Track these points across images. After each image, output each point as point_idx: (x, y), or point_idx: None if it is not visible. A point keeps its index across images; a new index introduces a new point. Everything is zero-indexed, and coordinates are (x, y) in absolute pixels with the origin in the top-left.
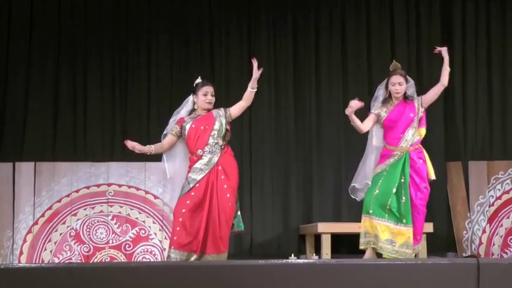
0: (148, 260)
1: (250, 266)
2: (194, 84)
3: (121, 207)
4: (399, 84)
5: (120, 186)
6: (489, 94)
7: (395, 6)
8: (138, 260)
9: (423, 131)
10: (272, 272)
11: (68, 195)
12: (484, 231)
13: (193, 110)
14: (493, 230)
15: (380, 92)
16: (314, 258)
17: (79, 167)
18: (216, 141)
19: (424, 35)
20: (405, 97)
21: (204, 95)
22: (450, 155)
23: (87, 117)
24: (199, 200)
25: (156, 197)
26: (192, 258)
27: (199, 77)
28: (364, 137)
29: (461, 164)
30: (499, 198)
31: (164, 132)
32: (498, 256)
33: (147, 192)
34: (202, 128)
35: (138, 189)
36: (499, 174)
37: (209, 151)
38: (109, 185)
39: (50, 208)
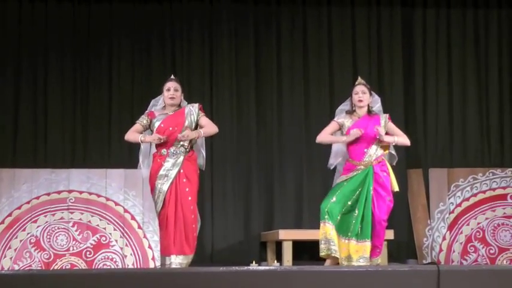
0: (109, 267)
1: (211, 273)
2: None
3: (82, 214)
4: (362, 92)
5: (80, 193)
6: (449, 102)
7: (356, 12)
8: (98, 267)
9: (386, 148)
10: (233, 279)
11: (28, 202)
12: (444, 238)
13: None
14: (453, 237)
15: (344, 107)
16: (275, 265)
17: (39, 173)
18: (182, 143)
19: (385, 42)
20: (369, 111)
21: (167, 90)
22: (411, 162)
23: (48, 123)
24: (169, 206)
25: (117, 204)
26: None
27: (172, 75)
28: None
29: (421, 171)
30: (459, 205)
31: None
32: (458, 263)
33: (108, 199)
34: (170, 128)
35: (99, 196)
36: (459, 181)
37: (173, 153)
38: (70, 191)
39: (10, 215)
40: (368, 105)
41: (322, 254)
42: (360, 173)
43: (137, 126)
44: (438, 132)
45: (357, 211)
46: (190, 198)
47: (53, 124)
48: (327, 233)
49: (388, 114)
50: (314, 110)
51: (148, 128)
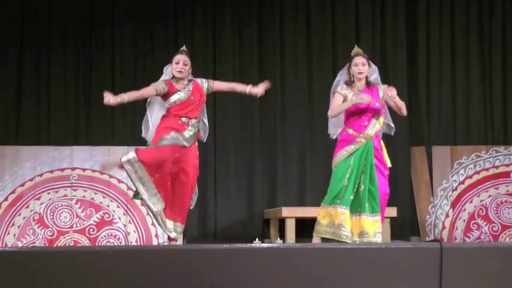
0: (112, 244)
1: (214, 250)
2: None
3: (85, 191)
4: (362, 64)
5: (84, 170)
6: (453, 79)
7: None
8: (102, 244)
9: (382, 120)
10: (236, 256)
11: (31, 179)
12: (447, 216)
13: (172, 77)
14: (456, 214)
15: (341, 77)
16: (278, 242)
17: (43, 151)
18: (201, 117)
19: (389, 23)
20: (367, 82)
21: (176, 63)
22: (414, 140)
23: (51, 101)
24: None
25: (120, 181)
26: None
27: (184, 46)
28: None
29: (424, 149)
30: (462, 182)
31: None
32: (461, 240)
33: (111, 176)
34: (197, 102)
35: (102, 173)
36: (462, 159)
37: (193, 124)
38: (73, 169)
39: (13, 192)
40: (366, 77)
41: (323, 235)
42: (361, 147)
43: (151, 89)
44: (441, 109)
45: (362, 186)
46: (193, 174)
47: (56, 101)
48: (337, 217)
49: (386, 85)
50: (317, 90)
51: (163, 95)
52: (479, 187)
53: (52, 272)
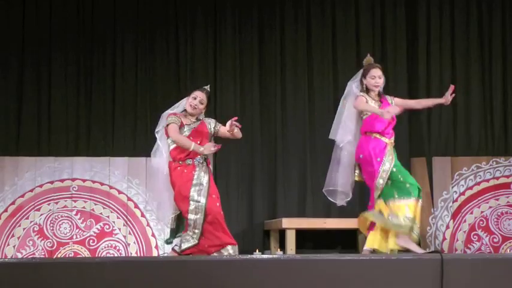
0: (112, 255)
1: (214, 262)
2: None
3: (85, 202)
4: (379, 77)
5: (84, 181)
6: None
7: (360, 3)
8: (102, 255)
9: None
10: (236, 268)
11: (31, 190)
12: (447, 227)
13: (184, 111)
14: (456, 225)
15: (353, 86)
16: (279, 253)
17: (43, 161)
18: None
19: (389, 33)
20: (378, 93)
21: (194, 98)
22: (414, 151)
23: (51, 111)
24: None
25: (120, 192)
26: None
27: (208, 86)
28: (329, 132)
29: (425, 160)
30: (463, 194)
31: (160, 129)
32: (461, 251)
33: (111, 187)
34: (199, 142)
35: (102, 184)
36: (462, 170)
37: (199, 161)
38: (73, 180)
39: (13, 203)
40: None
41: (407, 232)
42: (390, 150)
43: (175, 126)
44: (442, 120)
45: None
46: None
47: (56, 112)
48: (416, 211)
49: (393, 98)
50: (318, 100)
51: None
52: (479, 198)
53: (52, 283)
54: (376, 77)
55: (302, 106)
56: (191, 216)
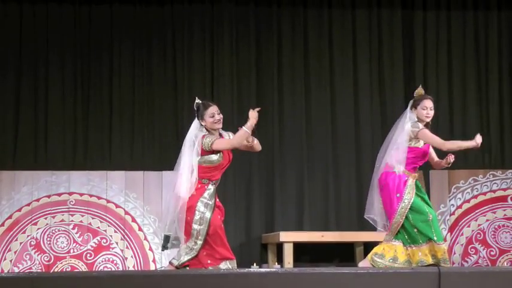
0: (109, 269)
1: (212, 275)
2: (195, 107)
3: (82, 216)
4: (430, 108)
5: (81, 195)
6: (450, 104)
7: (357, 14)
8: (99, 269)
9: None
10: (234, 281)
11: (28, 204)
12: (444, 240)
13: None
14: (453, 238)
15: (412, 115)
16: (276, 267)
17: (40, 175)
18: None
19: (385, 45)
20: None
21: (211, 116)
22: None
23: (48, 125)
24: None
25: (117, 206)
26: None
27: (197, 98)
28: (326, 144)
29: (422, 173)
30: (460, 207)
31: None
32: (459, 265)
33: (108, 201)
34: (223, 167)
35: (99, 198)
36: (459, 183)
37: (213, 183)
38: (70, 193)
39: (10, 217)
40: None
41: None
42: (411, 183)
43: (219, 138)
44: (438, 134)
45: (430, 215)
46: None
47: (53, 126)
48: (440, 252)
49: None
50: (315, 112)
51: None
52: (476, 211)
53: None
54: (428, 108)
55: (299, 119)
56: (195, 226)
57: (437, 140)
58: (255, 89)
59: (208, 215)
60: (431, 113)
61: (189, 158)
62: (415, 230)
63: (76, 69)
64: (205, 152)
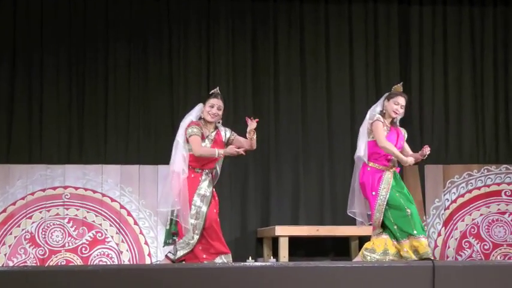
0: (105, 263)
1: (207, 269)
2: (210, 93)
3: (77, 210)
4: (401, 106)
5: (76, 189)
6: (445, 99)
7: (353, 9)
8: (94, 263)
9: None
10: (229, 275)
11: (23, 198)
12: (439, 234)
13: (200, 118)
14: (448, 233)
15: (377, 108)
16: (272, 261)
17: (35, 169)
18: (215, 167)
19: (381, 41)
20: (393, 122)
21: (210, 107)
22: None
23: (43, 119)
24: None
25: (113, 200)
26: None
27: (218, 88)
28: (322, 139)
29: (417, 168)
30: (454, 201)
31: (181, 139)
32: (453, 259)
33: (103, 195)
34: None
35: (94, 191)
36: (454, 178)
37: (207, 173)
38: (65, 187)
39: (4, 211)
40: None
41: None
42: (391, 177)
43: (198, 139)
44: (434, 129)
45: (408, 210)
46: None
47: (48, 120)
48: (422, 247)
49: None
50: (311, 107)
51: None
52: (471, 206)
53: None
54: (399, 105)
55: (295, 114)
56: (191, 221)
57: (381, 137)
58: (250, 86)
59: (204, 209)
60: (401, 111)
61: (182, 138)
62: (395, 227)
63: (71, 63)
64: (187, 139)
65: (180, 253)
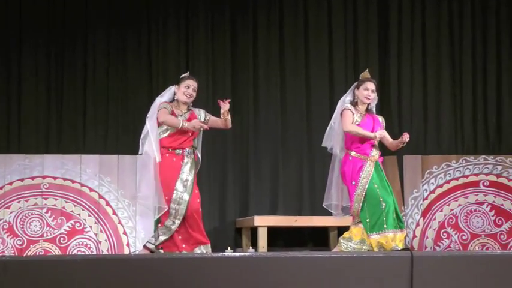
0: (83, 253)
1: (186, 259)
2: (181, 76)
3: (56, 200)
4: (372, 91)
5: (55, 178)
6: (424, 89)
7: (332, 2)
8: (73, 253)
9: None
10: (208, 265)
11: (1, 188)
12: (417, 225)
13: (173, 100)
14: (426, 223)
15: (347, 98)
16: (250, 251)
17: (13, 159)
18: (193, 145)
19: (361, 35)
20: (367, 109)
21: (186, 87)
22: (385, 149)
23: (22, 109)
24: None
25: (91, 190)
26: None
27: (188, 72)
28: (301, 131)
29: (396, 158)
30: (433, 192)
31: (150, 115)
32: (431, 249)
33: (82, 185)
34: (190, 134)
35: (73, 181)
36: (433, 168)
37: (188, 153)
38: (44, 177)
39: None
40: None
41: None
42: (373, 167)
43: (166, 111)
44: (413, 120)
45: (384, 204)
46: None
47: (26, 109)
48: (388, 242)
49: (383, 122)
50: (290, 99)
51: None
52: (449, 196)
53: (22, 281)
54: (369, 90)
55: (274, 105)
56: (173, 206)
57: (346, 123)
58: (230, 78)
59: (186, 197)
60: (373, 95)
61: (154, 122)
62: (367, 221)
63: (50, 53)
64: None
65: (161, 238)
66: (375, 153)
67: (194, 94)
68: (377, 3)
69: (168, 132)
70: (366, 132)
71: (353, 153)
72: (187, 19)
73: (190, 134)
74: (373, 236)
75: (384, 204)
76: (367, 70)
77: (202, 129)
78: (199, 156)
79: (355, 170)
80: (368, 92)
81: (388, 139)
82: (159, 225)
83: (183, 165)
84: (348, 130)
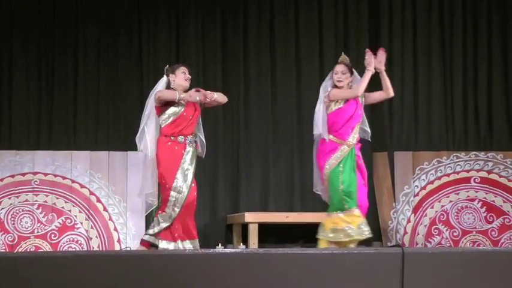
0: (74, 250)
1: (176, 256)
2: (168, 66)
3: (47, 196)
4: (342, 73)
5: (45, 175)
6: (415, 86)
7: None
8: (63, 249)
9: (359, 126)
10: (199, 262)
11: None
12: (408, 221)
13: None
14: (417, 219)
15: (327, 83)
16: (241, 247)
17: (3, 155)
18: (195, 131)
19: (352, 31)
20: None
21: (183, 73)
22: (376, 146)
23: (12, 105)
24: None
25: (82, 186)
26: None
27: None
28: (292, 127)
29: (387, 155)
30: (424, 188)
31: (148, 110)
32: (422, 245)
33: (73, 181)
34: (191, 117)
35: (64, 178)
36: (423, 164)
37: (190, 141)
38: (35, 173)
39: None
40: (348, 84)
41: (342, 239)
42: (345, 153)
43: (165, 91)
44: (404, 116)
45: (341, 186)
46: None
47: (17, 105)
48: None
49: (364, 94)
50: (280, 95)
51: (163, 103)
52: (440, 192)
53: (12, 278)
54: (339, 73)
55: (265, 100)
56: (173, 194)
57: (347, 92)
58: (220, 75)
59: (185, 188)
60: (343, 77)
61: (153, 115)
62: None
63: (40, 49)
64: (159, 108)
65: (162, 225)
66: (352, 138)
67: (190, 78)
68: (368, 1)
69: (170, 119)
70: (367, 78)
71: (330, 137)
72: (178, 16)
73: (191, 117)
74: (333, 215)
75: (341, 186)
76: (342, 53)
77: (200, 101)
78: (203, 139)
79: (328, 152)
80: (338, 75)
81: (376, 93)
82: (160, 211)
83: (185, 154)
84: (361, 89)
